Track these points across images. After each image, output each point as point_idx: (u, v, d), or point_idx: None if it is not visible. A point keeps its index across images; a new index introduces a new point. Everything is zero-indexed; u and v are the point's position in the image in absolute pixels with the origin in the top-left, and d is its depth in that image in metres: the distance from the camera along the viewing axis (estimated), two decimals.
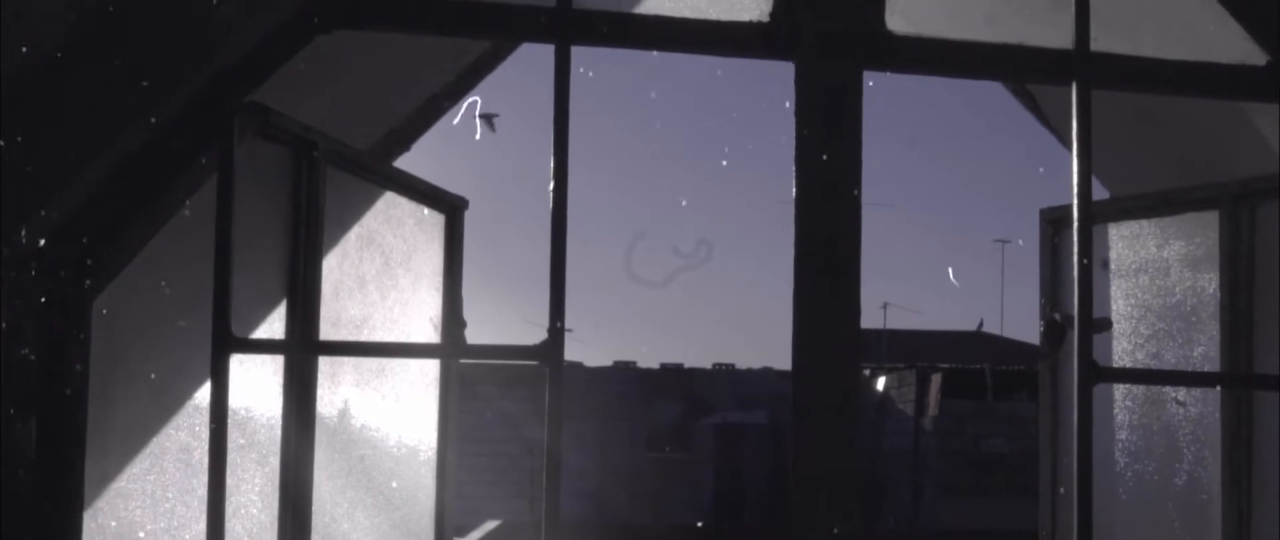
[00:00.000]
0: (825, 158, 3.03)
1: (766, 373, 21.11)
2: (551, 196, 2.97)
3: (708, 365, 21.86)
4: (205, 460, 3.12)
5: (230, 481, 3.28)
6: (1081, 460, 2.97)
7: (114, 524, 3.08)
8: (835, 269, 3.03)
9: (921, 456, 18.63)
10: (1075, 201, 3.03)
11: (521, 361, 3.03)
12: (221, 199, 2.94)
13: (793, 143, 3.05)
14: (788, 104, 3.11)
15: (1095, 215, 4.11)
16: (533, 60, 3.46)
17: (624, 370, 21.63)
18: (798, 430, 3.01)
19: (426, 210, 4.11)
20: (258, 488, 3.44)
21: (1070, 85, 3.04)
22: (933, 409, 18.52)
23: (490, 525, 15.03)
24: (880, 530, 19.12)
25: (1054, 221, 4.17)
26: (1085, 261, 2.95)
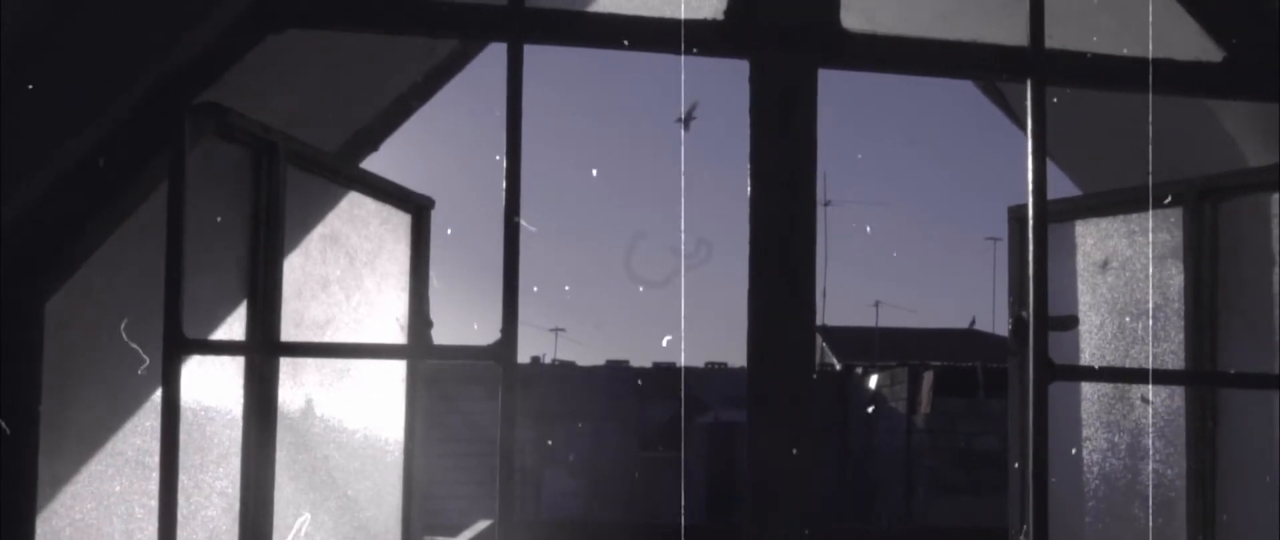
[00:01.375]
0: (780, 155, 3.02)
1: None
2: (504, 195, 2.96)
3: (700, 364, 21.83)
4: None
5: (189, 483, 3.27)
6: (1037, 460, 2.96)
7: (68, 527, 3.07)
8: (790, 268, 3.03)
9: (914, 454, 18.63)
10: (1031, 199, 3.02)
11: (477, 360, 3.02)
12: (172, 201, 2.93)
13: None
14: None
15: (1063, 213, 4.11)
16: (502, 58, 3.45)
17: (617, 369, 21.60)
18: (753, 433, 3.00)
19: (392, 210, 4.09)
20: (218, 489, 3.43)
21: (1025, 82, 3.03)
22: (924, 407, 18.52)
23: (482, 525, 15.02)
24: (873, 528, 19.12)
25: (1022, 219, 4.12)
26: (1040, 259, 2.94)
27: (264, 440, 3.41)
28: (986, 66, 3.08)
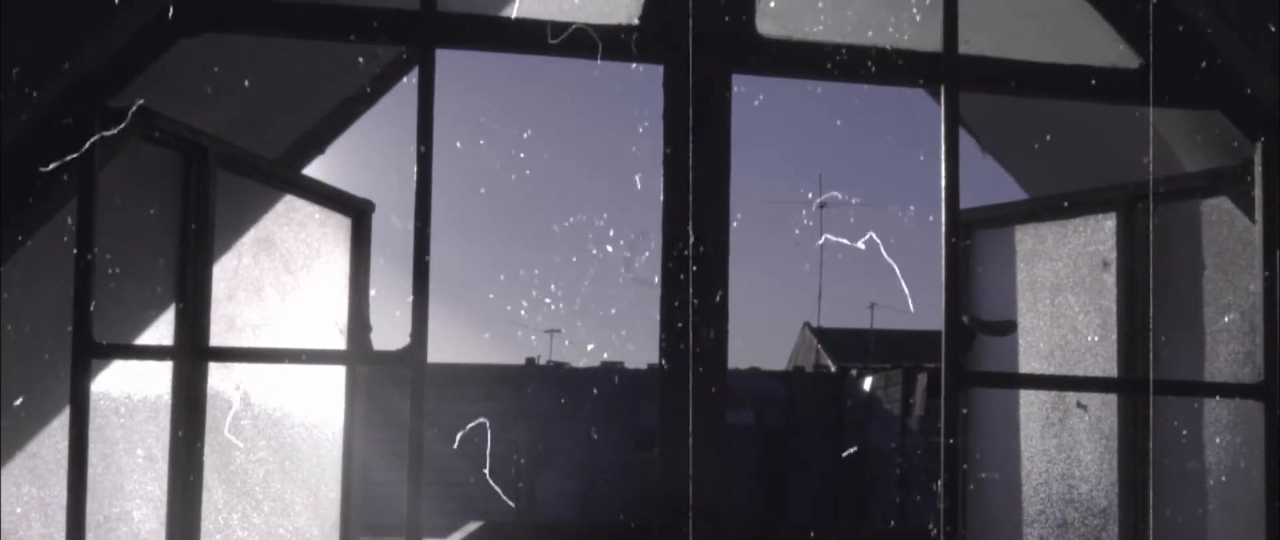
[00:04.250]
0: (694, 160, 3.01)
1: (753, 373, 21.03)
2: (415, 200, 2.96)
3: None
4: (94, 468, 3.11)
5: (112, 486, 3.27)
6: (948, 467, 2.95)
7: None
8: (704, 272, 3.02)
9: (907, 455, 18.58)
10: (943, 206, 3.01)
11: (388, 366, 3.02)
12: (82, 204, 2.93)
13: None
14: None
15: (1002, 218, 4.11)
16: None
17: (613, 371, 21.56)
18: (663, 439, 2.99)
19: (330, 213, 4.09)
20: (147, 493, 3.43)
21: (939, 88, 3.02)
22: (919, 408, 18.46)
23: (473, 526, 15.03)
24: (867, 529, 19.07)
25: (964, 224, 4.14)
26: (952, 266, 2.93)
27: (192, 443, 3.41)
28: (901, 72, 3.07)
